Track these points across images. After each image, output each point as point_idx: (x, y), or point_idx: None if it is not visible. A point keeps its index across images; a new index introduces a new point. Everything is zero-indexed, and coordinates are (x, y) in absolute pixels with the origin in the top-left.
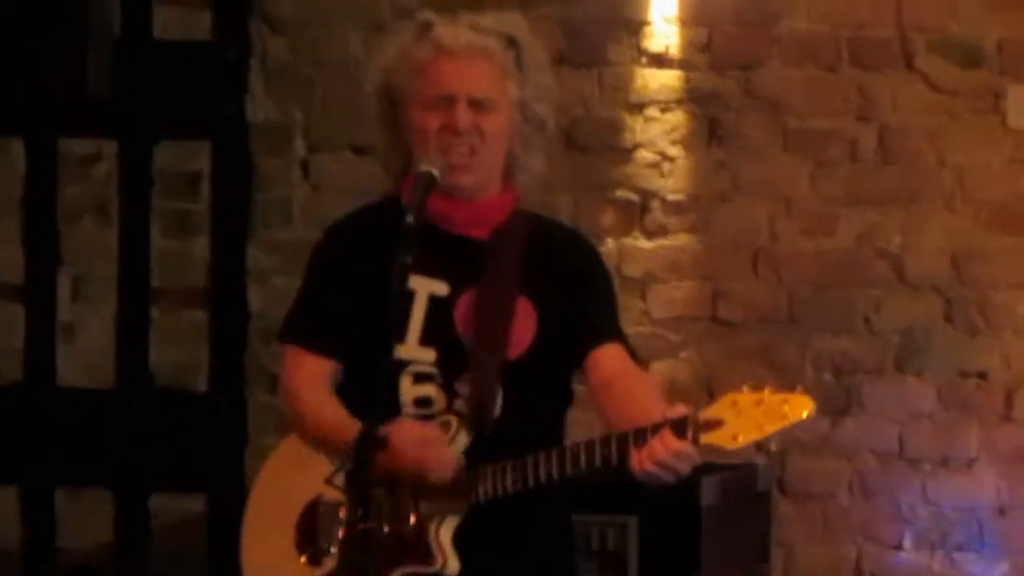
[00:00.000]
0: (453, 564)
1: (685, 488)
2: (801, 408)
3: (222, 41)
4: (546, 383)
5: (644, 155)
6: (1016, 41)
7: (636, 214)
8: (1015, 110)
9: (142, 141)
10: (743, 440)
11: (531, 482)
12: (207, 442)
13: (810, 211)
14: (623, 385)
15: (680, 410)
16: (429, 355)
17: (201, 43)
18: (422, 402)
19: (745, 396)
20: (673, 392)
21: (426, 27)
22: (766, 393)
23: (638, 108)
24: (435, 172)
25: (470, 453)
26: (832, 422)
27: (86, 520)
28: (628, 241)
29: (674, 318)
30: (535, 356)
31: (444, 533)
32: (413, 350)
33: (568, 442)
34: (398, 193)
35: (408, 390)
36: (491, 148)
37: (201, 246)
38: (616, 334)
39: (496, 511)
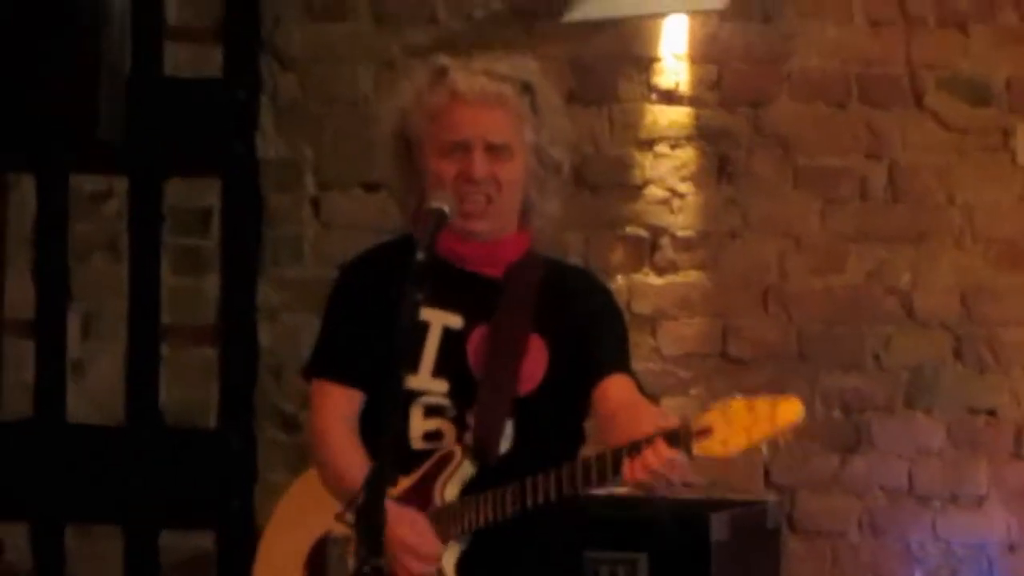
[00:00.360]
0: None
1: (695, 525)
2: (790, 413)
3: (232, 78)
4: (557, 420)
5: (654, 192)
6: None
7: (646, 251)
8: None
9: (152, 178)
10: (732, 448)
11: (529, 503)
12: (216, 479)
13: (820, 248)
14: (628, 415)
15: (673, 421)
16: (441, 386)
17: (211, 80)
18: (432, 436)
19: (736, 403)
20: None
21: (441, 72)
22: (757, 400)
23: (648, 145)
24: (445, 208)
25: (477, 486)
26: (841, 459)
27: (95, 557)
28: (638, 278)
29: (684, 355)
30: (546, 393)
31: (447, 560)
32: (425, 381)
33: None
34: (415, 235)
35: (418, 424)
36: (507, 195)
37: (211, 283)
38: (623, 367)
39: (500, 539)
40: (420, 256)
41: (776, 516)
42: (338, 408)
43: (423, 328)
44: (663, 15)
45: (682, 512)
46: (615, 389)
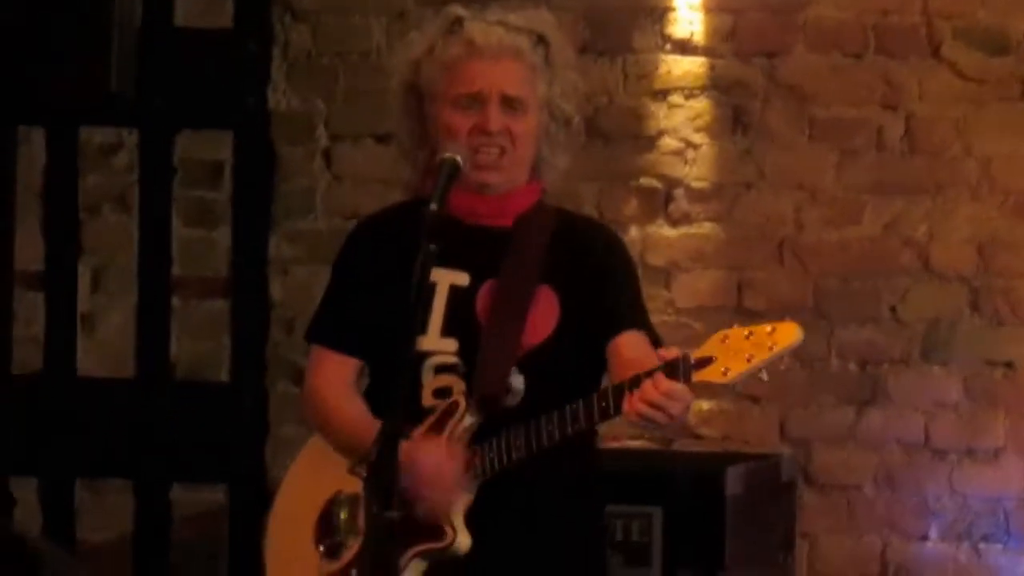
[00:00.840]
0: (464, 540)
1: (709, 478)
2: (788, 337)
3: (244, 30)
4: (569, 372)
5: (668, 143)
6: None
7: (660, 202)
8: None
9: (163, 131)
10: (733, 374)
11: (534, 445)
12: (228, 433)
13: (835, 200)
14: (639, 367)
15: (673, 352)
16: (451, 345)
17: (223, 32)
18: (441, 392)
19: (735, 331)
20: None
21: (456, 23)
22: (755, 327)
23: (662, 96)
24: (458, 159)
25: (484, 437)
26: (857, 413)
27: (106, 511)
28: (652, 229)
29: (698, 307)
30: (557, 344)
31: (456, 511)
32: (435, 341)
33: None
34: (425, 194)
35: (429, 381)
36: (520, 149)
37: (222, 236)
38: (638, 322)
39: (509, 487)
40: (433, 207)
41: (791, 469)
42: (334, 373)
43: (430, 288)
44: None
45: (697, 466)
46: (628, 345)
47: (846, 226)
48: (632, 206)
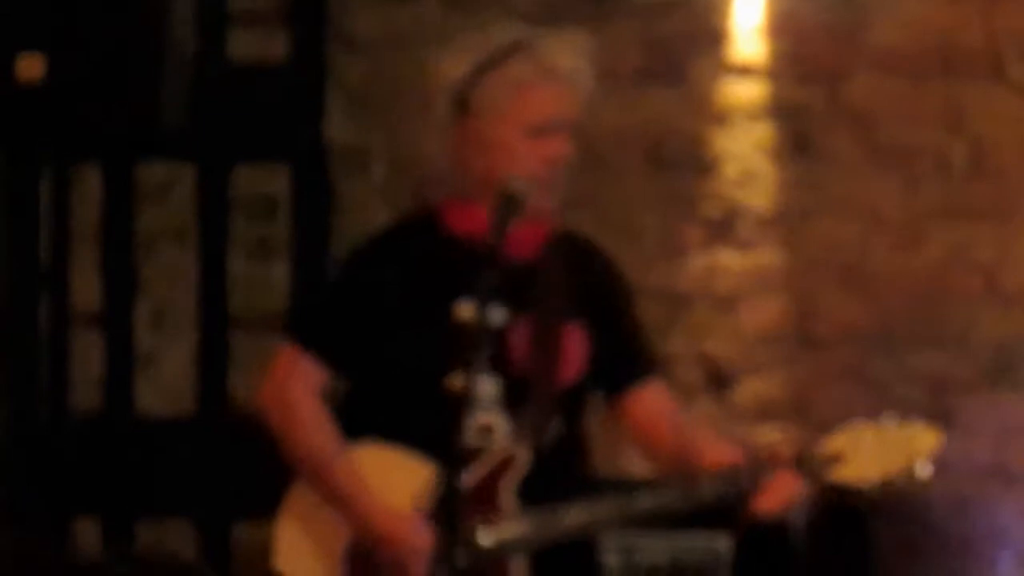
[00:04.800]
0: None
1: None
2: (928, 444)
3: (299, 63)
4: (587, 405)
5: (730, 169)
6: None
7: (723, 229)
8: None
9: (219, 165)
10: (868, 483)
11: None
12: (288, 471)
13: (900, 226)
14: (672, 423)
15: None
16: (490, 386)
17: (277, 65)
18: (484, 431)
19: (867, 429)
20: (765, 411)
21: (525, 43)
22: (889, 427)
23: (722, 121)
24: (522, 193)
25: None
26: None
27: (167, 550)
28: (716, 257)
29: (763, 336)
30: (585, 381)
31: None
32: (474, 382)
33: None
34: (428, 209)
35: (469, 418)
36: (564, 172)
37: (280, 271)
38: (655, 366)
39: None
40: (492, 241)
41: (863, 498)
42: (312, 381)
43: (466, 326)
44: None
45: None
46: (652, 394)
47: (911, 251)
48: (695, 233)
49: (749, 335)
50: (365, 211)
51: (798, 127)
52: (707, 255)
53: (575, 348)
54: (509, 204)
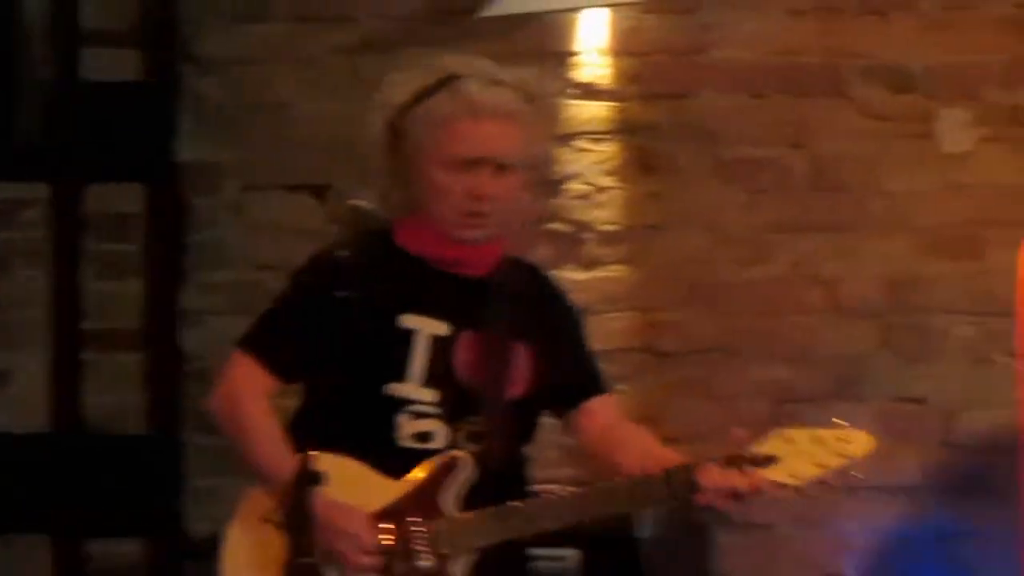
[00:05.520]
0: None
1: (623, 520)
2: (862, 447)
3: (152, 82)
4: (534, 422)
5: (576, 187)
6: (946, 64)
7: (570, 246)
8: (948, 134)
9: (73, 185)
10: (802, 480)
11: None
12: (144, 486)
13: (744, 240)
14: (620, 433)
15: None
16: (431, 396)
17: (131, 84)
18: (422, 437)
19: (798, 432)
20: None
21: (451, 78)
22: (822, 430)
23: (569, 140)
24: (365, 205)
25: (475, 493)
26: None
27: (22, 567)
28: (562, 273)
29: (610, 350)
30: (531, 398)
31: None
32: (414, 390)
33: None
34: (386, 228)
35: (408, 424)
36: (505, 208)
37: (134, 288)
38: (604, 385)
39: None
40: (344, 253)
41: (707, 510)
42: (256, 386)
43: (409, 336)
44: (582, 9)
45: None
46: (602, 407)
47: (756, 265)
48: (542, 250)
49: (597, 350)
50: (217, 227)
51: (643, 144)
52: (553, 271)
53: (523, 365)
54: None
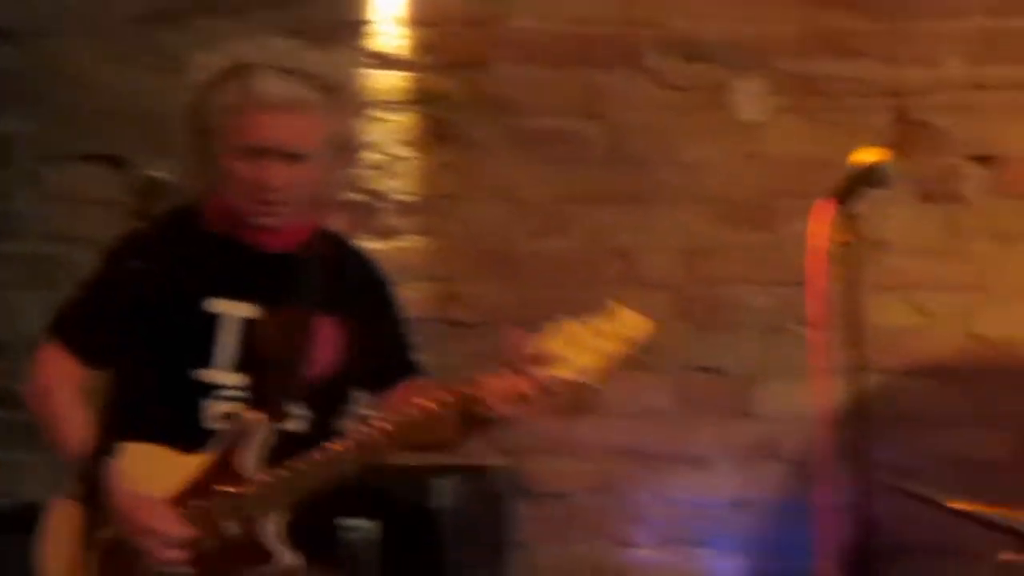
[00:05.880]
0: (290, 558)
1: (419, 491)
2: (638, 325)
3: None
4: (346, 400)
5: (372, 156)
6: (740, 34)
7: (365, 216)
8: (743, 104)
9: None
10: (592, 373)
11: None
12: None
13: (541, 211)
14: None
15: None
16: (240, 380)
17: None
18: (226, 418)
19: (571, 326)
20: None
21: (240, 70)
22: (590, 320)
23: (364, 109)
24: (162, 176)
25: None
26: (567, 422)
27: None
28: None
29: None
30: (339, 376)
31: (270, 532)
32: (223, 375)
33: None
34: (193, 206)
35: (216, 408)
36: (300, 194)
37: None
38: (417, 368)
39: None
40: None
41: (504, 480)
42: (65, 377)
43: (215, 320)
44: None
45: (407, 479)
46: (415, 391)
47: (553, 236)
48: (337, 220)
49: None
50: (10, 200)
51: (439, 115)
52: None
53: (328, 341)
54: (150, 187)
